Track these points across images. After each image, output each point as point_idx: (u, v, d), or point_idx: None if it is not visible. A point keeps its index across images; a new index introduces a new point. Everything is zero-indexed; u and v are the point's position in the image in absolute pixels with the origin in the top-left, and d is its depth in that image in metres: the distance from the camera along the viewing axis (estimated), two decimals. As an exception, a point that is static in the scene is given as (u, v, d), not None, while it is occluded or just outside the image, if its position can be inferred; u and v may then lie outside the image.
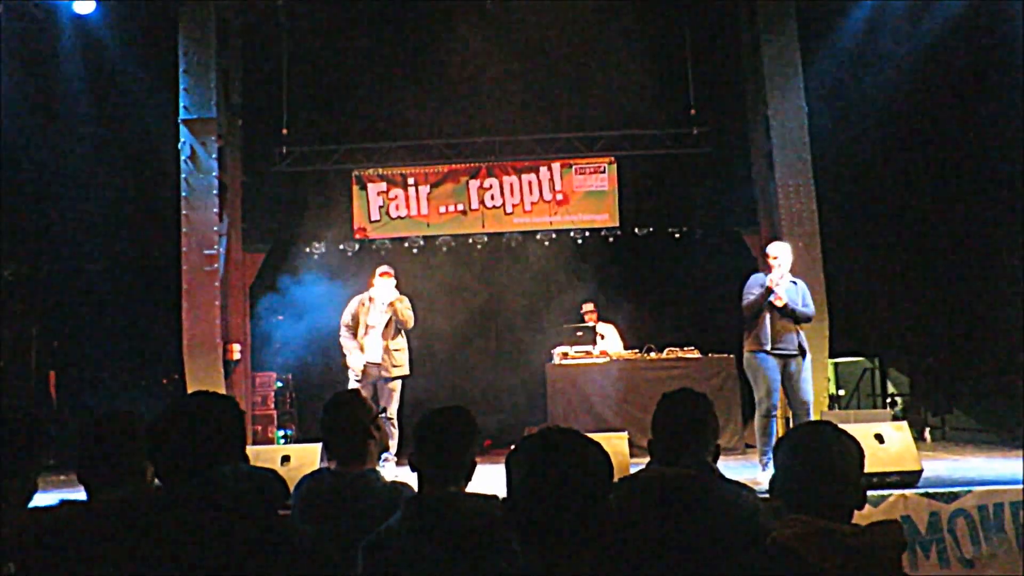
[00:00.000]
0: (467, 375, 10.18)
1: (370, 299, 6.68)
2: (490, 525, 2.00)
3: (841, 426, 1.90)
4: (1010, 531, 4.28)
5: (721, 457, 2.52)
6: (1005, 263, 8.19)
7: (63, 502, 2.01)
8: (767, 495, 1.94)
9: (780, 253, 5.84)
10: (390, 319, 6.59)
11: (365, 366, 6.57)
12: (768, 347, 5.68)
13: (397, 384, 6.61)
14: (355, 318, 6.66)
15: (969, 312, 8.78)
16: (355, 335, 6.64)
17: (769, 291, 5.67)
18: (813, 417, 5.76)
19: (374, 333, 6.59)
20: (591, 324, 8.72)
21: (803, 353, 5.77)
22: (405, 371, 6.68)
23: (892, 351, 9.66)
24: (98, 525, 1.86)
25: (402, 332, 6.69)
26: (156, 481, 1.88)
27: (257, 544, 1.62)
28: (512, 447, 1.49)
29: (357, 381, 6.56)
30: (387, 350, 6.55)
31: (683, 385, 2.73)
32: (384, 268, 6.76)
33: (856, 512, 1.82)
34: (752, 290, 5.81)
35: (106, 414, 2.20)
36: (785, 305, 5.68)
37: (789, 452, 1.87)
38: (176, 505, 1.63)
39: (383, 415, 2.76)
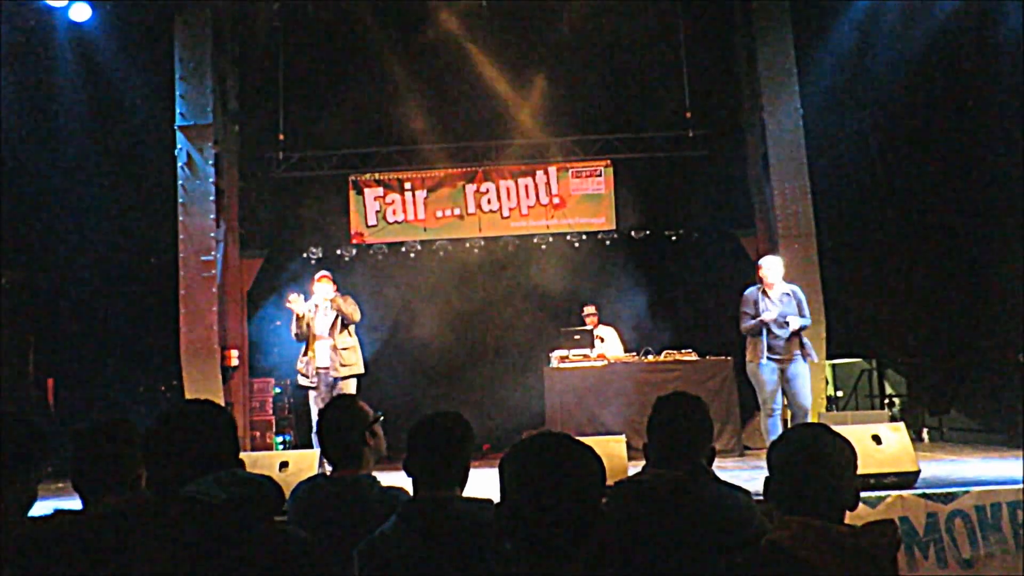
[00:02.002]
0: (464, 379, 10.17)
1: (316, 305, 6.78)
2: (484, 529, 2.01)
3: (838, 427, 1.92)
4: (1008, 531, 4.28)
5: (719, 459, 2.52)
6: (1002, 264, 8.19)
7: (57, 511, 2.01)
8: (761, 496, 1.94)
9: (770, 268, 6.13)
10: (335, 318, 6.71)
11: (317, 371, 6.66)
12: (764, 359, 5.98)
13: (350, 384, 6.66)
14: (307, 326, 6.73)
15: (966, 313, 8.77)
16: (306, 343, 6.74)
17: (763, 323, 5.97)
18: (811, 419, 5.87)
19: (323, 338, 6.70)
20: (589, 327, 8.71)
21: (803, 356, 6.00)
22: (358, 370, 6.74)
23: (889, 352, 9.66)
24: (93, 534, 1.86)
25: (350, 330, 6.79)
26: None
27: (252, 550, 1.62)
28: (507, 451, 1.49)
29: (311, 384, 6.62)
30: (335, 349, 6.65)
31: (681, 388, 2.74)
32: (321, 272, 6.99)
33: (852, 513, 1.83)
34: (747, 311, 6.10)
35: (99, 422, 2.20)
36: (783, 327, 5.96)
37: (783, 454, 1.88)
38: (170, 512, 1.63)
39: (380, 420, 2.77)
